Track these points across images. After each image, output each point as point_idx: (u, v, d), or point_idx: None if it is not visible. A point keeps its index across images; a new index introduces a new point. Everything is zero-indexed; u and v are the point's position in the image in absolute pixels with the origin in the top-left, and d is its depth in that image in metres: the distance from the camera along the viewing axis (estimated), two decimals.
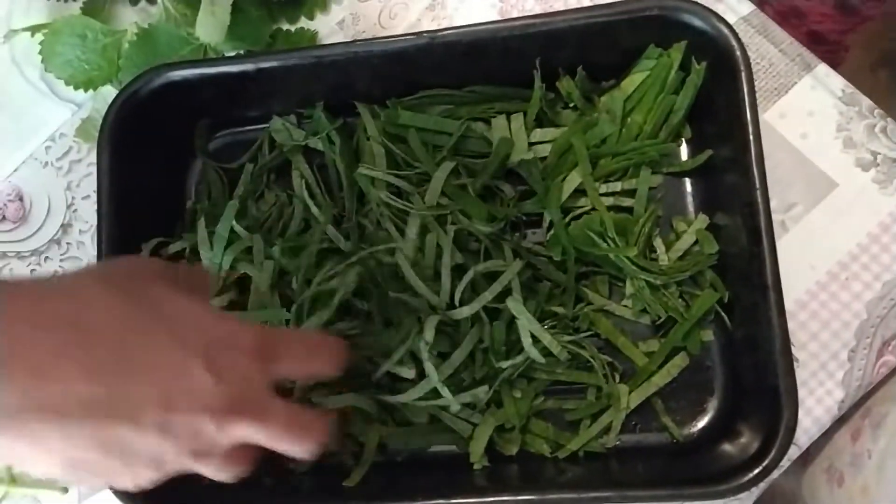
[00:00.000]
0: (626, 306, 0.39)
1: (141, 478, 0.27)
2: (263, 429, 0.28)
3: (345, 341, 0.33)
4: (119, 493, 0.37)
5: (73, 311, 0.25)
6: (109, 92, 0.46)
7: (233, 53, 0.45)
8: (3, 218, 0.48)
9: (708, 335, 0.39)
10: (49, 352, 0.24)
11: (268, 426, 0.28)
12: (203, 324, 0.28)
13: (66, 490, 0.44)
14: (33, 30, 0.47)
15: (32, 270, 0.47)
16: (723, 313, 0.38)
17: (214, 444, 0.27)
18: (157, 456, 0.26)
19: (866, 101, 0.41)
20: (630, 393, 0.38)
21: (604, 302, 0.39)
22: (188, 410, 0.26)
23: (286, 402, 0.29)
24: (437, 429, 0.39)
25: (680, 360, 0.39)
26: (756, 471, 0.34)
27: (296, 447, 0.29)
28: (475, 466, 0.38)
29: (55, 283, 0.27)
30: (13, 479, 0.45)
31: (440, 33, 0.39)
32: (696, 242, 0.39)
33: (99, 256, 0.40)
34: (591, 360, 0.38)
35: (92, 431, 0.25)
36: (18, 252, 0.48)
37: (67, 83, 0.46)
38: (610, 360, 0.39)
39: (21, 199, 0.48)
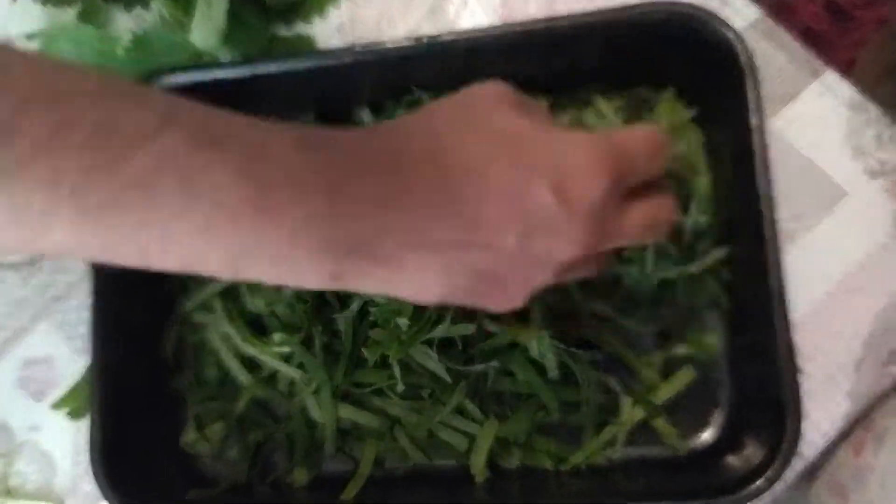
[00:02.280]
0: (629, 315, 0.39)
1: (515, 299, 0.29)
2: (626, 237, 0.29)
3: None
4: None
5: (428, 148, 0.27)
6: None
7: (229, 59, 0.44)
8: None
9: (713, 338, 0.38)
10: (419, 193, 0.26)
11: (629, 235, 0.29)
12: (546, 146, 0.27)
13: (61, 502, 0.44)
14: (29, 36, 0.46)
15: (27, 281, 0.47)
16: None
17: (577, 263, 0.28)
18: (525, 280, 0.28)
19: (875, 109, 0.40)
20: (634, 406, 0.38)
21: (608, 312, 0.39)
22: (542, 232, 0.27)
23: (640, 205, 0.29)
24: (436, 443, 0.38)
25: (685, 375, 0.38)
26: (759, 482, 0.33)
27: (657, 235, 0.31)
28: (477, 479, 0.37)
29: (405, 124, 0.29)
30: (9, 492, 0.44)
31: (439, 38, 0.38)
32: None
33: (93, 266, 0.39)
34: (582, 380, 0.37)
35: (464, 258, 0.26)
36: (12, 263, 0.47)
37: None
38: (604, 378, 0.38)
39: None
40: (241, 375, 0.40)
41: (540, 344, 0.36)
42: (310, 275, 0.25)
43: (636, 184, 0.29)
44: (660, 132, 0.31)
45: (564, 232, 0.27)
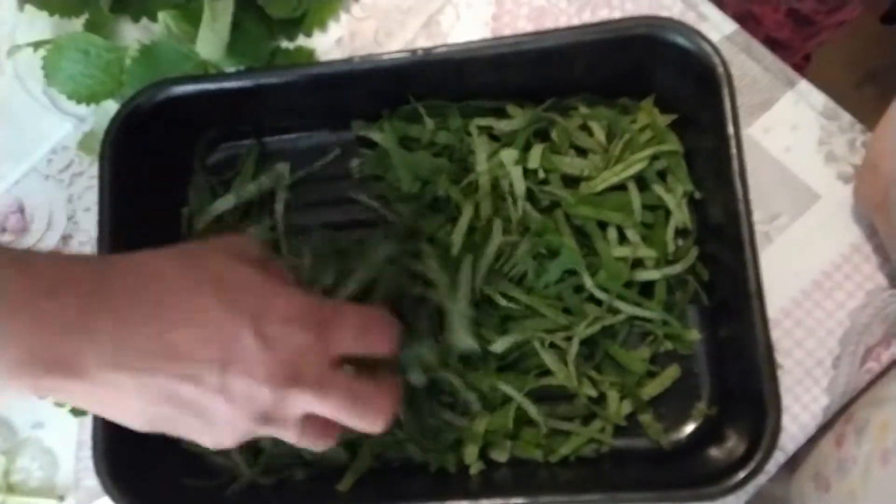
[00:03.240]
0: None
1: (221, 438, 0.29)
2: (323, 401, 0.28)
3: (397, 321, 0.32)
4: (117, 499, 0.38)
5: (141, 281, 0.28)
6: (111, 106, 0.47)
7: (233, 70, 0.46)
8: (4, 230, 0.49)
9: (694, 335, 0.40)
10: (124, 315, 0.27)
11: (327, 398, 0.28)
12: (256, 291, 0.29)
13: (62, 498, 0.45)
14: (37, 45, 0.48)
15: None
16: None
17: (278, 412, 0.28)
18: (227, 418, 0.28)
19: (847, 117, 0.43)
20: (621, 401, 0.39)
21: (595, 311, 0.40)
22: (242, 375, 0.27)
23: (349, 375, 0.29)
24: (431, 436, 0.39)
25: (672, 372, 0.40)
26: (742, 474, 0.34)
27: (362, 421, 0.29)
28: (471, 470, 0.38)
29: (123, 259, 0.29)
30: (10, 488, 0.45)
31: (434, 50, 0.40)
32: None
33: None
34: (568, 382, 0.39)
35: (161, 384, 0.27)
36: None
37: (70, 98, 0.47)
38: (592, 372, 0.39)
39: (22, 212, 0.49)
40: None
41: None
42: (11, 387, 0.26)
43: (349, 354, 0.30)
44: (389, 318, 0.32)
45: (261, 374, 0.27)
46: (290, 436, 0.30)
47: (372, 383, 0.30)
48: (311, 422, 0.30)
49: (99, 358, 0.26)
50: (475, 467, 0.38)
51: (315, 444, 0.30)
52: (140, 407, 0.28)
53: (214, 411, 0.28)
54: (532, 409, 0.39)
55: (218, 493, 0.40)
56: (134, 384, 0.27)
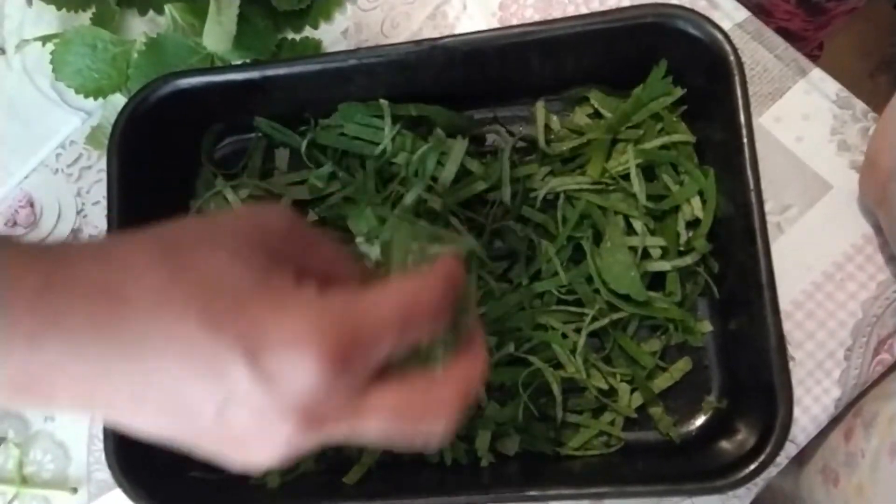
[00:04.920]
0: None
1: (258, 462, 0.22)
2: (364, 432, 0.21)
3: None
4: (129, 492, 0.38)
5: (106, 296, 0.20)
6: (119, 100, 0.47)
7: (239, 62, 0.46)
8: (15, 224, 0.49)
9: (706, 326, 0.39)
10: (92, 339, 0.20)
11: (368, 429, 0.21)
12: (256, 304, 0.20)
13: (75, 490, 0.45)
14: (44, 40, 0.48)
15: None
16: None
17: (307, 448, 0.21)
18: (254, 453, 0.21)
19: (860, 105, 0.42)
20: (632, 394, 0.39)
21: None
22: (249, 414, 0.20)
23: (394, 383, 0.21)
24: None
25: (683, 365, 0.39)
26: (752, 466, 0.34)
27: (420, 434, 0.22)
28: (482, 463, 0.38)
29: (85, 249, 0.22)
30: (24, 480, 0.46)
31: (440, 41, 0.39)
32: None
33: None
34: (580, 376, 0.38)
35: (153, 431, 0.21)
36: None
37: (77, 92, 0.47)
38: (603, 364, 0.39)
39: (32, 206, 0.49)
40: None
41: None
42: None
43: (395, 356, 0.22)
44: (443, 277, 0.23)
45: (268, 420, 0.20)
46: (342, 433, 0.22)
47: (432, 380, 0.23)
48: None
49: (65, 390, 0.20)
50: (486, 459, 0.38)
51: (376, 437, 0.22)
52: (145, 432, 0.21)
53: (230, 453, 0.22)
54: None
55: (228, 485, 0.41)
56: (125, 422, 0.21)
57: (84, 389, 0.20)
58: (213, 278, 0.21)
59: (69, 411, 0.22)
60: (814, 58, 0.47)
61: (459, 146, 0.41)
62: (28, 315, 0.20)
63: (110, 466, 0.38)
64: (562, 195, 0.40)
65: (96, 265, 0.21)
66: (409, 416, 0.22)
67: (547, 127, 0.42)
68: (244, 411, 0.20)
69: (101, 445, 0.39)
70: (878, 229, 0.41)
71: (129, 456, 0.39)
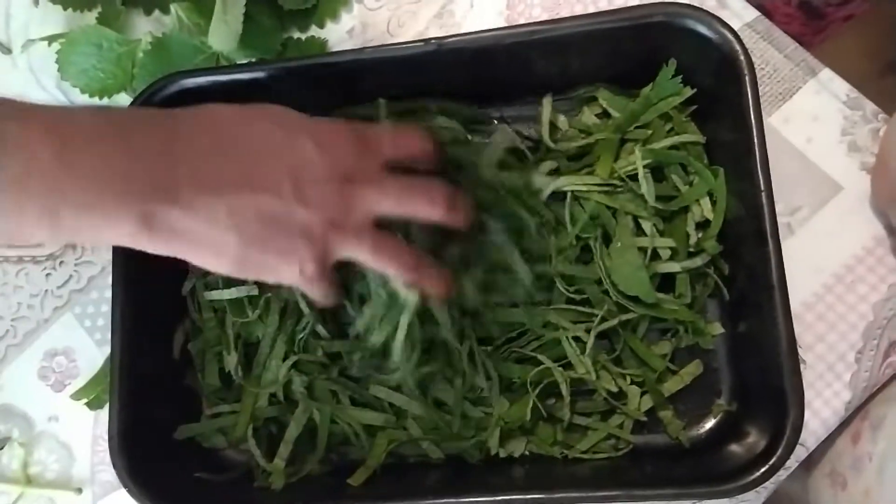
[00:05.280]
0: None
1: (303, 257, 0.32)
2: (383, 192, 0.33)
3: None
4: (134, 493, 0.38)
5: (206, 120, 0.33)
6: (124, 99, 0.47)
7: (245, 61, 0.46)
8: None
9: (717, 328, 0.39)
10: (203, 146, 0.31)
11: (386, 189, 0.33)
12: (302, 118, 0.34)
13: (80, 491, 0.45)
14: (50, 39, 0.48)
15: (48, 275, 0.48)
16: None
17: (348, 214, 0.32)
18: (305, 226, 0.32)
19: (870, 106, 0.42)
20: (641, 397, 0.39)
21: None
22: (311, 179, 0.32)
23: (402, 175, 0.34)
24: (447, 435, 0.39)
25: (693, 368, 0.39)
26: (762, 469, 0.34)
27: (424, 206, 0.33)
28: (494, 451, 0.38)
29: (182, 109, 0.33)
30: (29, 480, 0.45)
31: (447, 40, 0.39)
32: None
33: (114, 260, 0.41)
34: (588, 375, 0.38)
35: (247, 201, 0.31)
36: (34, 257, 0.48)
37: (83, 91, 0.47)
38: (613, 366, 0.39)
39: None
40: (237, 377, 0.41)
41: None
42: (121, 221, 0.29)
43: (393, 159, 0.34)
44: (418, 135, 0.36)
45: (324, 173, 0.32)
46: (366, 246, 0.33)
47: (416, 177, 0.34)
48: (384, 237, 0.33)
49: (188, 183, 0.30)
50: (496, 447, 0.38)
51: (391, 261, 0.33)
52: (234, 236, 0.31)
53: (295, 219, 0.31)
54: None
55: (233, 486, 0.40)
56: (225, 207, 0.30)
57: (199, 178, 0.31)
58: (278, 111, 0.34)
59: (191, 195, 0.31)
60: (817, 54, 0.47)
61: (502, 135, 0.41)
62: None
63: (115, 467, 0.38)
64: (569, 194, 0.40)
65: (196, 114, 0.33)
66: (416, 188, 0.34)
67: (554, 126, 0.42)
68: (309, 175, 0.32)
69: (105, 446, 0.39)
70: (890, 230, 0.40)
71: (134, 457, 0.39)
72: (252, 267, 0.32)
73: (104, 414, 0.43)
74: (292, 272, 0.32)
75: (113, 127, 0.30)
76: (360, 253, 0.33)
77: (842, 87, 0.42)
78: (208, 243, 0.31)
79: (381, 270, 0.34)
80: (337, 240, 0.32)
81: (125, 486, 0.38)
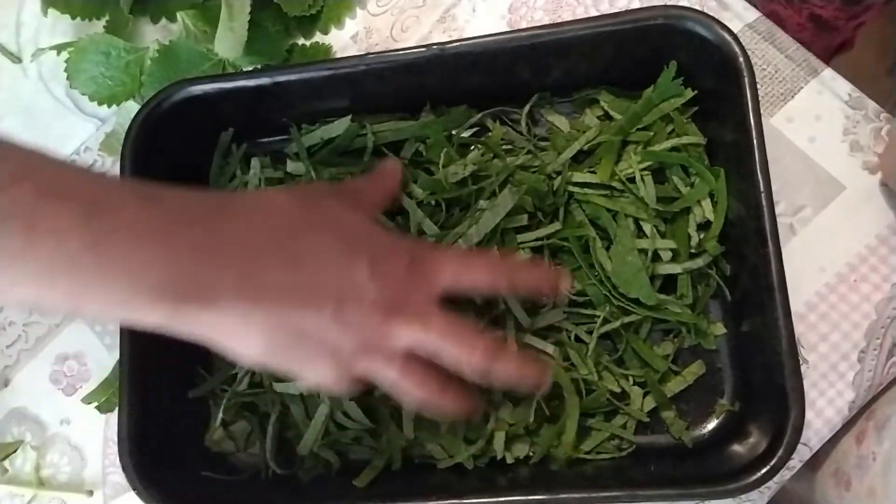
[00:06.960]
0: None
1: (326, 371, 0.31)
2: (426, 327, 0.31)
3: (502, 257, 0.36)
4: (143, 495, 0.38)
5: (263, 217, 0.30)
6: (132, 107, 0.47)
7: (251, 68, 0.46)
8: None
9: (719, 329, 0.39)
10: (254, 248, 0.29)
11: (429, 325, 0.31)
12: (365, 231, 0.33)
13: (91, 493, 0.46)
14: (59, 48, 0.49)
15: None
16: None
17: (383, 340, 0.31)
18: (336, 346, 0.30)
19: (872, 105, 0.42)
20: (644, 397, 0.39)
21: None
22: (356, 302, 0.30)
23: (449, 312, 0.31)
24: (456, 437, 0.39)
25: (696, 368, 0.39)
26: (764, 470, 0.34)
27: (462, 350, 0.31)
28: (499, 455, 0.38)
29: (242, 195, 0.33)
30: (41, 482, 0.46)
31: (450, 45, 0.40)
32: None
33: None
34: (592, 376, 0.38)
35: (285, 313, 0.29)
36: None
37: (92, 99, 0.48)
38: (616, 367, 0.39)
39: None
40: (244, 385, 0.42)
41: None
42: (148, 316, 0.28)
43: (451, 289, 0.32)
44: (489, 253, 0.35)
45: (370, 302, 0.30)
46: (393, 371, 0.31)
47: (471, 323, 0.33)
48: (413, 364, 0.31)
49: (230, 286, 0.28)
50: (502, 451, 0.38)
51: (415, 389, 0.32)
52: (262, 340, 0.29)
53: (328, 338, 0.30)
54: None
55: (241, 489, 0.41)
56: (261, 315, 0.29)
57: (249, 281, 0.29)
58: (341, 217, 0.32)
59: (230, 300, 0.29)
60: (846, 50, 0.47)
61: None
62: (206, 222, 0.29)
63: (124, 469, 0.39)
64: (570, 194, 0.40)
65: (254, 209, 0.31)
66: (459, 330, 0.31)
67: (556, 128, 0.42)
68: (354, 299, 0.30)
69: (115, 448, 0.39)
70: (894, 229, 0.40)
71: (143, 459, 0.39)
72: (273, 366, 0.31)
73: (115, 417, 0.44)
74: (313, 378, 0.31)
75: (159, 222, 0.27)
76: (384, 377, 0.31)
77: (844, 86, 0.42)
78: (234, 341, 0.29)
79: (399, 398, 0.33)
80: (364, 361, 0.31)
81: (133, 488, 0.39)
